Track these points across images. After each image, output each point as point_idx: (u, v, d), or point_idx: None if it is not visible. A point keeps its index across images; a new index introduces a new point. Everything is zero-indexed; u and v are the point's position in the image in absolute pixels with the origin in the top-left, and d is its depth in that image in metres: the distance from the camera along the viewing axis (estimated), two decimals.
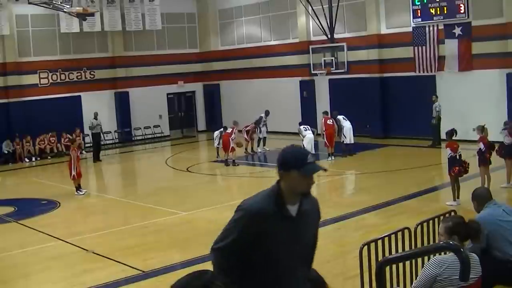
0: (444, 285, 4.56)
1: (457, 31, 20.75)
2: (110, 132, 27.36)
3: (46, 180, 20.04)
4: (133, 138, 28.20)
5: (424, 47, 21.75)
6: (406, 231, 7.10)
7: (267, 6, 27.66)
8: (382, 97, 23.55)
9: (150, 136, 28.68)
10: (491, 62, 19.99)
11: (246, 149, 21.84)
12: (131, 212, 14.19)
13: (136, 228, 12.39)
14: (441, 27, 21.27)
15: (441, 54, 21.39)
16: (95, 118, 23.49)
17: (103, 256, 10.37)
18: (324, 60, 23.82)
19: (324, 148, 19.69)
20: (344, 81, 24.17)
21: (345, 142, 19.71)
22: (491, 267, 5.21)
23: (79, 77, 26.87)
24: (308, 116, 24.61)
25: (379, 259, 6.18)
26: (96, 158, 23.05)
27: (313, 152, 18.53)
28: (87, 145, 25.33)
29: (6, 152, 23.92)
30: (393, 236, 6.99)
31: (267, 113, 22.61)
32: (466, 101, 20.58)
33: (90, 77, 27.20)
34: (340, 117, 20.07)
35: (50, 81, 26.18)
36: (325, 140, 19.40)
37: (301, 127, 19.53)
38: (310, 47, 24.70)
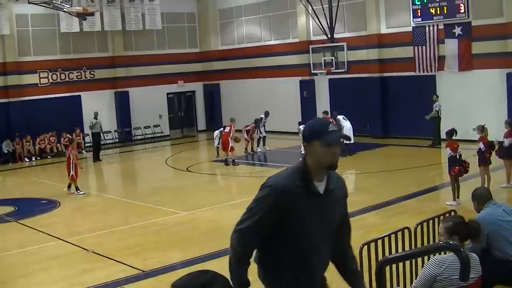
0: (444, 285, 4.56)
1: (457, 31, 20.74)
2: (110, 131, 27.36)
3: (46, 179, 20.06)
4: (133, 138, 28.20)
5: (424, 47, 21.74)
6: (406, 231, 7.10)
7: (267, 6, 27.65)
8: (382, 97, 23.55)
9: (150, 135, 28.68)
10: (491, 62, 19.98)
11: (246, 148, 21.84)
12: (131, 212, 14.18)
13: (136, 228, 12.38)
14: (441, 27, 21.26)
15: (441, 54, 21.38)
16: (95, 117, 23.49)
17: (103, 256, 10.37)
18: (324, 60, 23.85)
19: None
20: (344, 81, 24.17)
21: (345, 142, 19.68)
22: (491, 267, 5.21)
23: (79, 76, 26.87)
24: (308, 116, 24.48)
25: (379, 259, 6.16)
26: (96, 158, 23.06)
27: None
28: (87, 144, 25.35)
29: (6, 151, 23.92)
30: (393, 236, 6.98)
31: (266, 114, 22.60)
32: (466, 101, 20.57)
33: (90, 76, 27.20)
34: (340, 117, 20.08)
35: (50, 80, 26.17)
36: None
37: (301, 127, 19.48)
38: (310, 46, 24.72)
